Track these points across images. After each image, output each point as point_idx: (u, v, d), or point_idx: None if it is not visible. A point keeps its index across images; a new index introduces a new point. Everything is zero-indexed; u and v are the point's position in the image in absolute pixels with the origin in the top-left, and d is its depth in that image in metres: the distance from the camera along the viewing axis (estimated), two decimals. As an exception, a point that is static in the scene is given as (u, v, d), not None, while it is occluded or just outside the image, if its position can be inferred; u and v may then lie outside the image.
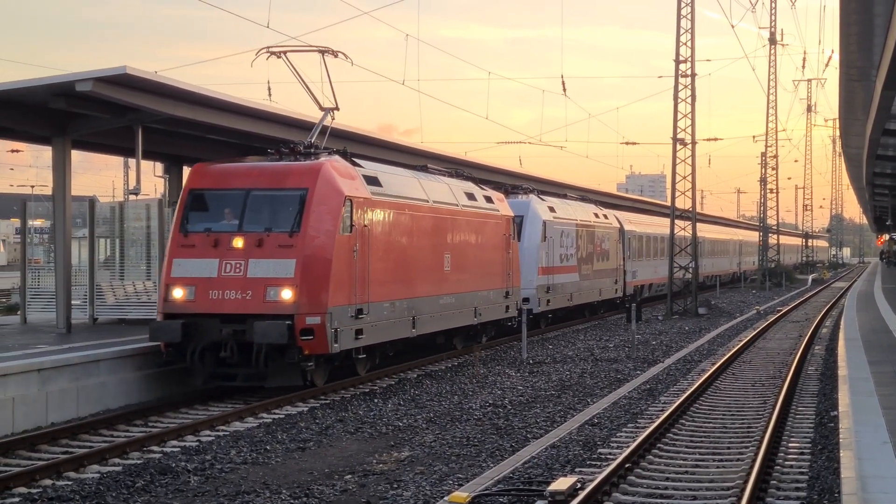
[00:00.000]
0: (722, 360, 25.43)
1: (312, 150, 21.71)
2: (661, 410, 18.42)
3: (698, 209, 62.41)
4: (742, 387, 22.00)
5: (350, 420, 18.20)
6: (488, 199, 29.86)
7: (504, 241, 30.16)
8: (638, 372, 25.01)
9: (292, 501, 12.49)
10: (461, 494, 11.64)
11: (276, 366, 19.50)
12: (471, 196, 28.43)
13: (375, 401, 20.34)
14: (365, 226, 21.27)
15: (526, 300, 32.99)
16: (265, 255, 19.69)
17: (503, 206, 30.98)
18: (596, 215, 43.69)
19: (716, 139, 57.17)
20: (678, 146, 47.10)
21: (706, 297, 55.44)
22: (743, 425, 17.30)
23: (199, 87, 23.59)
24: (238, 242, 19.86)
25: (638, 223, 52.45)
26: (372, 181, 22.29)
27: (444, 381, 23.41)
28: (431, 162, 30.22)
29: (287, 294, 19.42)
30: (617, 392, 21.26)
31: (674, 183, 47.66)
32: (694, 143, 47.15)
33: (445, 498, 11.82)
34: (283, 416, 18.57)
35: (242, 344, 19.37)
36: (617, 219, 47.19)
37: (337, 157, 21.84)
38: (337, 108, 23.66)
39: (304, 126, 27.13)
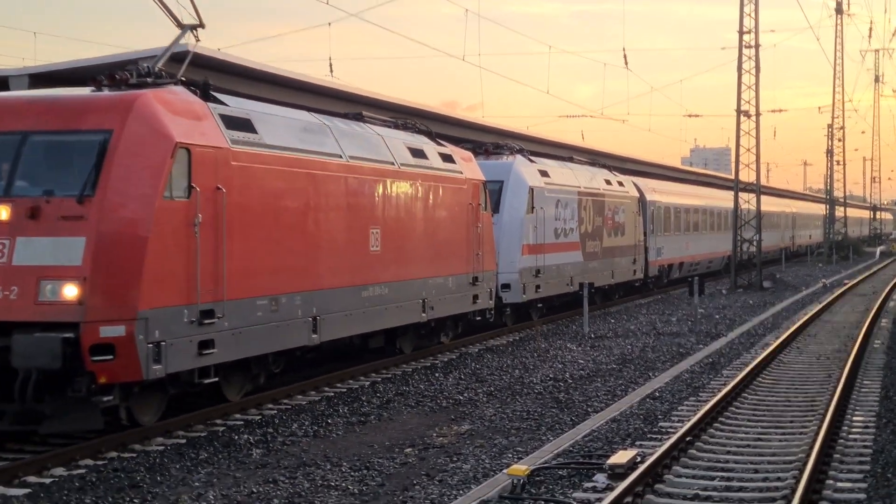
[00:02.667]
0: (786, 334, 25.19)
1: (151, 80, 15.14)
2: (724, 384, 18.29)
3: (763, 182, 61.82)
4: (806, 360, 21.79)
5: (411, 394, 18.27)
6: (446, 158, 23.18)
7: (470, 213, 23.71)
8: (700, 346, 24.85)
9: (352, 474, 12.58)
10: (520, 467, 11.64)
11: (56, 402, 13.23)
12: (418, 153, 21.85)
13: (436, 375, 20.39)
14: (219, 189, 14.96)
15: (506, 287, 27.30)
16: (41, 231, 13.36)
17: (470, 168, 24.40)
18: (608, 182, 36.80)
19: (780, 111, 57.24)
20: (742, 118, 46.62)
21: (771, 270, 54.90)
22: (806, 399, 17.14)
23: (263, 64, 23.79)
24: (2, 213, 13.57)
25: (665, 192, 45.39)
26: (237, 125, 15.84)
27: (506, 355, 23.41)
28: (370, 109, 24.45)
29: (71, 291, 13.08)
30: (679, 366, 21.15)
31: (737, 155, 47.20)
32: (758, 114, 46.65)
33: (504, 471, 11.84)
34: (344, 390, 18.67)
35: (4, 368, 12.99)
36: (636, 186, 40.50)
37: (178, 88, 15.40)
38: (201, 26, 16.71)
39: (359, 101, 27.11)
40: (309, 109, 20.16)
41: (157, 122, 14.17)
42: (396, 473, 12.70)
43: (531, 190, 28.60)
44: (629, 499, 10.74)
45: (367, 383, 19.40)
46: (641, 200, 40.16)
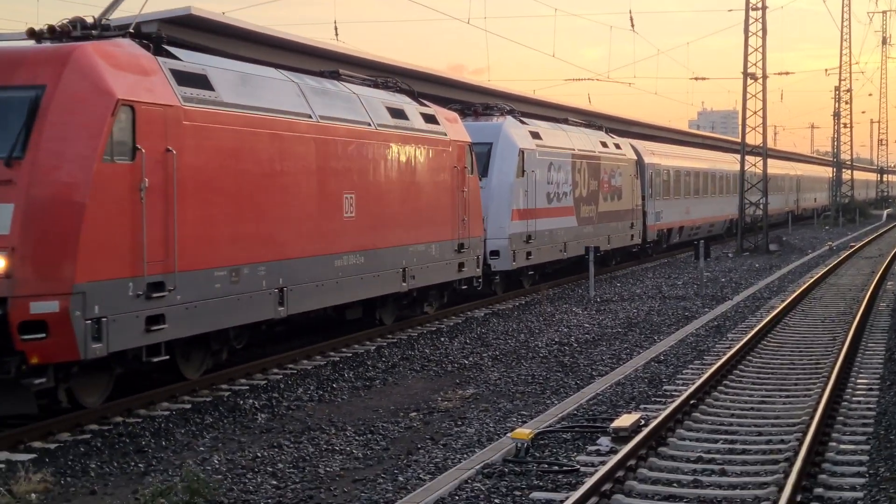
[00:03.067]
0: (792, 297, 25.17)
1: (97, 33, 14.01)
2: (729, 347, 18.30)
3: (770, 145, 61.64)
4: (811, 323, 21.78)
5: (416, 358, 18.30)
6: (429, 119, 22.02)
7: (455, 177, 22.63)
8: (706, 309, 24.85)
9: (357, 438, 12.62)
10: (524, 431, 11.66)
11: None
12: (397, 114, 20.66)
13: (442, 339, 20.42)
14: (169, 150, 13.82)
15: (494, 254, 26.24)
16: None
17: (455, 130, 23.22)
18: (604, 144, 35.25)
19: (787, 73, 56.40)
20: (749, 81, 46.41)
21: (777, 233, 54.80)
22: (811, 361, 17.15)
23: (265, 27, 23.62)
24: None
25: (664, 154, 43.71)
26: (191, 81, 14.65)
27: (511, 319, 23.43)
28: (348, 67, 23.32)
29: None
30: (684, 329, 21.15)
31: (743, 118, 47.02)
32: (765, 77, 46.41)
33: (508, 434, 11.86)
34: (350, 354, 18.70)
35: None
36: (634, 149, 39.15)
37: (125, 40, 14.20)
38: None
39: (372, 66, 26.97)
40: (287, 69, 19.12)
41: (97, 76, 12.97)
42: (401, 437, 12.73)
43: (521, 152, 27.31)
44: (633, 462, 10.77)
45: (373, 348, 19.43)
46: (639, 163, 38.87)
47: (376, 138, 19.41)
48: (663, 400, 14.16)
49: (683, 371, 16.44)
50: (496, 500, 9.75)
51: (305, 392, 15.41)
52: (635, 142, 40.76)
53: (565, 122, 34.22)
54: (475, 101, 30.33)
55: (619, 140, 37.85)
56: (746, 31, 45.87)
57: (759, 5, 45.76)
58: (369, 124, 19.28)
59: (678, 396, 13.74)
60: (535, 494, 9.95)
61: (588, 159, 32.90)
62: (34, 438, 12.38)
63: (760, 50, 46.04)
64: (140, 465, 11.50)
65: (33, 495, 10.27)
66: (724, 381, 15.34)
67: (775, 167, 66.50)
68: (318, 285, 17.48)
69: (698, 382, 14.29)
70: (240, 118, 15.48)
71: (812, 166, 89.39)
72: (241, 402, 14.65)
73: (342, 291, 18.25)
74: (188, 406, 14.40)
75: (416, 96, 22.77)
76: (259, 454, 11.83)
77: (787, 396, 14.49)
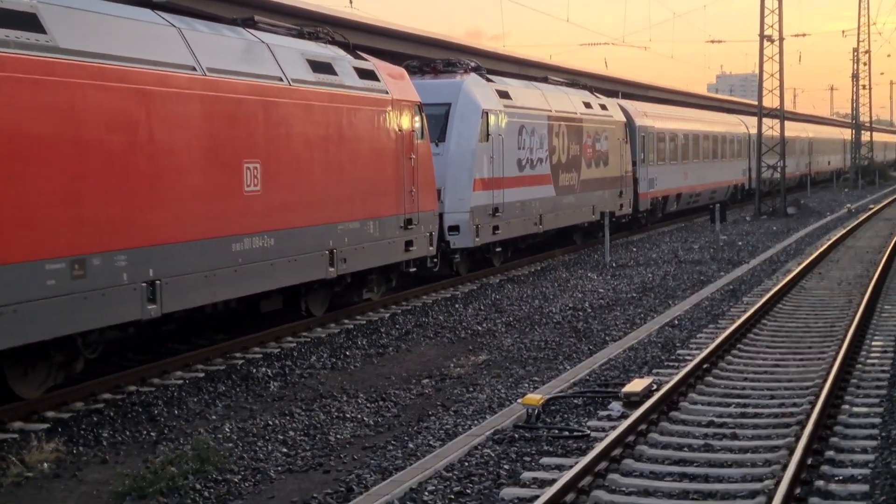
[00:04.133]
0: (808, 260, 25.06)
1: None
2: (743, 311, 18.23)
3: (789, 108, 61.19)
4: (828, 286, 21.69)
5: (430, 325, 18.29)
6: (365, 75, 18.80)
7: (399, 142, 19.52)
8: (722, 273, 24.76)
9: (368, 405, 12.63)
10: (535, 396, 11.65)
11: None
12: (321, 67, 17.43)
13: (456, 306, 20.40)
14: None
15: (454, 230, 23.07)
16: None
17: (400, 87, 20.10)
18: (587, 105, 31.85)
19: (804, 35, 55.87)
20: (766, 43, 46.10)
21: (795, 196, 54.55)
22: (826, 324, 17.08)
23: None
24: None
25: (659, 116, 40.19)
26: (11, 20, 11.52)
27: (526, 285, 23.39)
28: (266, 14, 20.11)
29: None
30: (699, 293, 21.09)
31: (761, 80, 46.75)
32: (781, 39, 46.16)
33: (519, 400, 11.85)
34: (364, 322, 18.70)
35: None
36: (624, 110, 35.83)
37: None
38: None
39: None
40: (231, 22, 16.58)
41: None
42: (412, 404, 12.74)
43: (485, 114, 24.06)
44: (643, 427, 10.75)
45: (387, 315, 19.42)
46: (629, 126, 35.56)
47: (291, 96, 16.23)
48: (676, 364, 14.12)
49: (697, 335, 16.39)
50: (505, 466, 9.74)
51: (318, 360, 15.43)
52: (625, 102, 37.84)
53: (545, 80, 31.23)
54: (437, 58, 27.01)
55: (605, 100, 34.39)
56: (763, -8, 45.54)
57: (776, -34, 45.40)
58: (281, 79, 16.08)
59: (691, 361, 13.70)
60: (545, 460, 9.94)
61: (568, 121, 29.62)
62: (48, 409, 12.43)
63: (777, 12, 45.72)
64: (152, 433, 11.54)
65: (45, 465, 10.32)
66: (738, 345, 15.29)
67: (787, 130, 63.05)
68: (208, 275, 14.27)
69: (711, 346, 14.24)
70: (85, 69, 12.27)
71: (826, 128, 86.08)
72: (255, 370, 14.68)
73: (244, 281, 15.01)
74: (201, 375, 14.43)
75: (351, 49, 19.38)
76: (270, 422, 11.85)
77: (801, 360, 14.43)
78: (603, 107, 33.32)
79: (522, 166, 26.28)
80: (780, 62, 46.25)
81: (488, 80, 25.65)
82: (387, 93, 19.22)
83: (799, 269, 23.33)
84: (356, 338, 17.16)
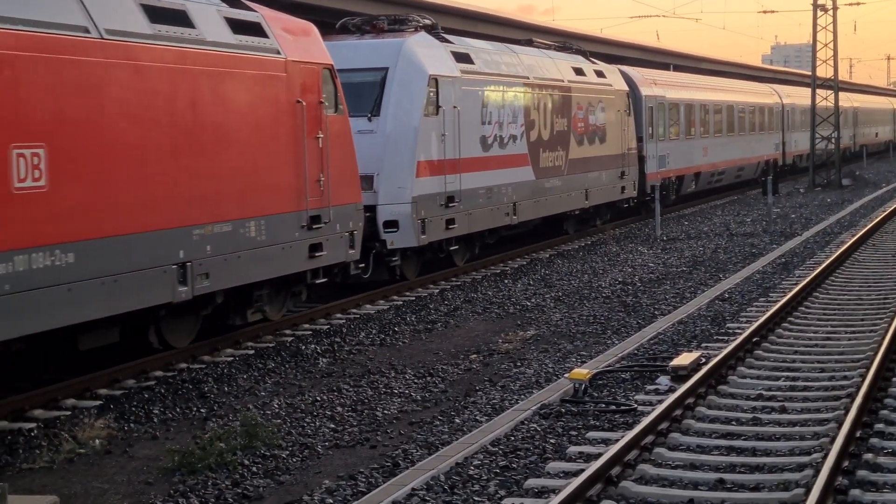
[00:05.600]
0: (862, 232, 24.78)
1: None
2: (795, 284, 18.06)
3: (844, 78, 60.47)
4: (881, 258, 21.45)
5: (479, 301, 18.30)
6: (242, 28, 14.35)
7: (299, 117, 15.05)
8: (774, 246, 24.55)
9: (416, 381, 12.67)
10: (582, 371, 11.63)
11: None
12: (165, 16, 12.92)
13: (505, 281, 20.39)
14: None
15: (391, 225, 18.56)
16: None
17: (299, 46, 15.48)
18: (577, 71, 27.02)
19: (859, 3, 55.01)
20: (819, 12, 45.52)
21: (851, 167, 53.90)
22: (879, 297, 16.89)
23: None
24: None
25: (671, 84, 35.36)
26: None
27: (576, 260, 23.32)
28: None
29: None
30: (750, 267, 20.92)
31: (814, 50, 46.18)
32: (835, 7, 45.55)
33: (566, 375, 11.84)
34: (413, 298, 18.74)
35: None
36: (627, 77, 31.18)
37: None
38: None
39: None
40: None
41: None
42: (459, 380, 12.77)
43: (434, 81, 19.61)
44: (691, 400, 10.70)
45: (436, 291, 19.44)
46: (634, 95, 30.93)
47: (105, 54, 11.75)
48: (725, 338, 14.04)
49: (748, 309, 16.27)
50: (551, 440, 9.75)
51: (367, 336, 15.49)
52: (629, 69, 32.82)
53: (529, 43, 26.65)
54: (386, 14, 22.48)
55: (603, 66, 29.49)
56: (816, -39, 44.97)
57: (829, -66, 44.80)
58: (87, 30, 11.56)
59: (740, 334, 13.61)
60: (591, 434, 9.93)
61: (552, 90, 24.98)
62: (100, 386, 12.58)
63: (831, -20, 45.13)
64: (202, 410, 11.65)
65: (97, 441, 10.46)
66: (789, 318, 15.17)
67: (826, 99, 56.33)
68: None
69: (761, 320, 14.14)
70: None
71: (873, 97, 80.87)
72: (304, 347, 14.76)
73: (16, 318, 10.49)
74: (251, 352, 14.54)
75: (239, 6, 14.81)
76: (318, 398, 11.93)
77: (853, 333, 14.29)
78: (599, 73, 28.59)
79: (488, 145, 21.75)
80: (835, 32, 45.65)
81: (444, 40, 21.12)
82: (278, 52, 14.81)
83: (852, 240, 23.08)
84: (405, 314, 17.21)
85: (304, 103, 15.15)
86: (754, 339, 13.44)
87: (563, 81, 25.75)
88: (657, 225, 28.26)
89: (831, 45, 45.90)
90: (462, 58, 21.25)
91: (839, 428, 9.41)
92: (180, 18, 13.23)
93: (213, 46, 13.54)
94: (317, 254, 15.42)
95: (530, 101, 23.84)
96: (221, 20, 14.03)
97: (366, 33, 20.26)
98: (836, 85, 46.46)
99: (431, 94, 19.56)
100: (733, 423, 10.22)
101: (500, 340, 14.90)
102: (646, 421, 9.62)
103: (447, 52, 20.76)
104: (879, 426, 9.75)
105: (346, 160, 16.31)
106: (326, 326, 16.30)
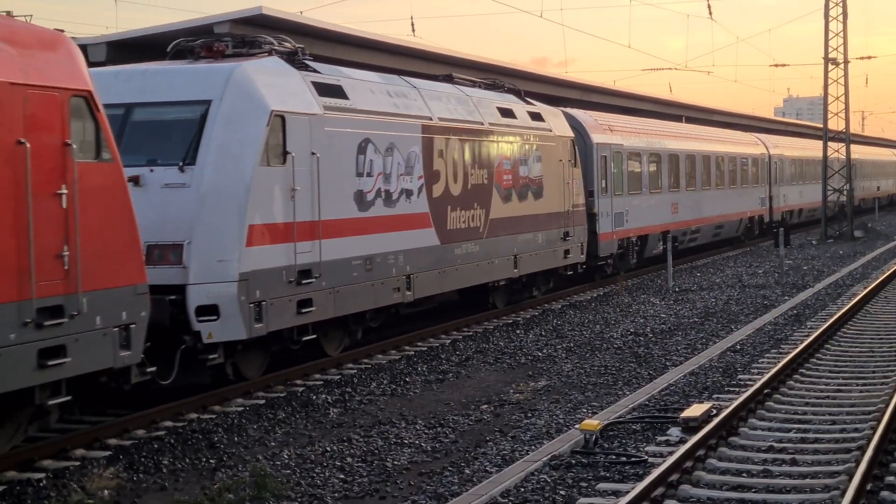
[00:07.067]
0: (874, 284, 24.74)
1: None
2: (806, 336, 18.02)
3: (857, 130, 60.55)
4: (893, 310, 21.40)
5: (490, 351, 18.28)
6: None
7: (18, 165, 10.40)
8: (786, 297, 24.51)
9: (427, 431, 12.65)
10: (592, 422, 11.61)
11: None
12: None
13: (517, 332, 20.38)
14: None
15: (208, 312, 13.88)
16: None
17: (35, 65, 10.82)
18: (504, 113, 22.39)
19: (870, 57, 55.17)
20: (830, 66, 45.71)
21: (863, 220, 53.87)
22: (891, 349, 16.85)
23: (337, 24, 23.66)
24: None
25: (631, 131, 30.94)
26: None
27: (588, 310, 23.31)
28: None
29: None
30: (762, 318, 20.89)
31: (825, 104, 46.31)
32: (846, 62, 45.70)
33: (577, 426, 11.81)
34: (424, 348, 18.73)
35: None
36: (575, 121, 26.87)
37: None
38: None
39: (445, 61, 26.88)
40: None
41: None
42: (470, 430, 12.74)
43: (280, 119, 15.08)
44: (701, 452, 10.66)
45: (448, 341, 19.43)
46: (584, 143, 26.64)
47: None
48: (737, 390, 14.00)
49: (759, 360, 16.24)
50: (561, 492, 9.71)
51: (378, 386, 15.48)
52: (578, 112, 28.41)
53: (448, 79, 22.20)
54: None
55: (541, 108, 24.77)
56: (827, 15, 45.18)
57: (840, -12, 45.06)
58: None
59: (752, 385, 13.58)
60: (602, 485, 9.90)
61: (466, 134, 20.36)
62: (109, 436, 12.58)
63: (842, 35, 45.32)
64: (211, 460, 11.64)
65: (106, 491, 10.44)
66: (800, 370, 15.13)
67: (807, 149, 52.43)
68: None
69: (773, 371, 14.12)
70: None
71: (875, 149, 76.87)
72: (315, 397, 14.75)
73: None
74: (262, 402, 14.52)
75: None
76: (328, 448, 11.91)
77: (865, 384, 14.25)
78: (535, 116, 23.94)
79: (368, 202, 17.20)
80: (846, 85, 45.79)
81: (303, 66, 16.53)
82: None
83: (864, 292, 23.04)
84: (416, 364, 17.20)
85: (29, 145, 10.51)
86: (765, 391, 13.41)
87: (482, 124, 21.15)
88: (669, 276, 28.24)
89: (843, 98, 46.04)
90: (329, 90, 16.60)
91: (850, 480, 9.36)
92: None
93: None
94: (50, 363, 10.65)
95: (433, 148, 19.19)
96: None
97: (200, 58, 15.95)
98: (847, 137, 46.53)
99: (274, 136, 14.99)
100: (744, 474, 10.18)
101: (512, 391, 14.88)
102: (656, 472, 9.59)
103: (304, 83, 16.10)
104: (890, 479, 9.70)
105: (115, 226, 11.72)
106: (338, 376, 16.29)
